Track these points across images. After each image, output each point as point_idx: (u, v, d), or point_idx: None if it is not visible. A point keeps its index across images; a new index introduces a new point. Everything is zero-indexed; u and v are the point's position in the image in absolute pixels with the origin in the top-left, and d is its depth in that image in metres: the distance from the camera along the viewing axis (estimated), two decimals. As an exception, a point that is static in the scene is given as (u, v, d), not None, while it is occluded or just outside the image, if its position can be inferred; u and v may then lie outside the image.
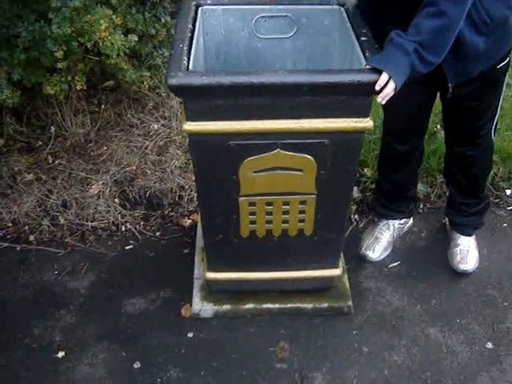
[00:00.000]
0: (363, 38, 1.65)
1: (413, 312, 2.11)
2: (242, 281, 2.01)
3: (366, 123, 1.57)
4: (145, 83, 2.54)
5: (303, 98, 1.50)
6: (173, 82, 1.44)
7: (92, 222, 2.45)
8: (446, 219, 2.38)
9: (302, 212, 1.80)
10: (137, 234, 2.42)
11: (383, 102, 1.47)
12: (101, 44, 2.16)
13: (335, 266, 2.01)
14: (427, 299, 2.16)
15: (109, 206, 2.49)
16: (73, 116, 2.75)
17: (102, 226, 2.45)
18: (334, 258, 2.00)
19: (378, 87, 1.44)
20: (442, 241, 2.38)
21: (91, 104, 2.88)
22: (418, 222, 2.49)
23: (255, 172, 1.68)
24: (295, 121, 1.56)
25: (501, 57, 1.78)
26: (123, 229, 2.44)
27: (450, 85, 1.77)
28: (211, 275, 2.00)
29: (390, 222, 2.33)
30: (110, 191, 2.52)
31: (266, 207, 1.79)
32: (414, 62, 1.47)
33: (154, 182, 2.56)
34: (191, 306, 2.09)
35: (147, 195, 2.53)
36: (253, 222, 1.83)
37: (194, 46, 1.63)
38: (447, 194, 2.40)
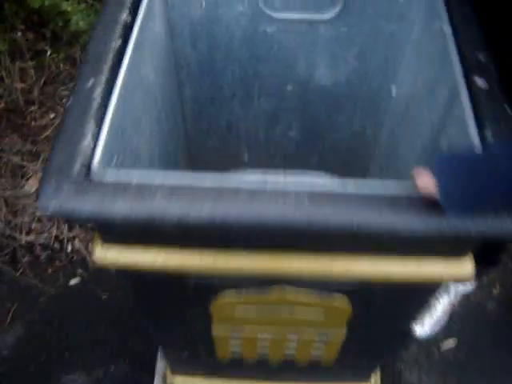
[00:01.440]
0: (478, 79, 0.78)
1: (473, 433, 1.46)
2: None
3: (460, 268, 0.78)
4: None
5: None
6: (49, 209, 0.64)
7: (27, 234, 1.74)
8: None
9: (319, 342, 1.08)
10: (87, 257, 1.72)
11: None
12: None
13: (366, 380, 1.33)
14: (495, 409, 1.49)
15: (52, 212, 1.75)
16: (9, 63, 1.91)
17: (41, 241, 1.74)
18: (366, 372, 1.30)
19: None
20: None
21: (40, 40, 2.01)
22: (490, 266, 1.72)
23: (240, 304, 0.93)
24: (314, 259, 0.77)
25: None
26: (69, 249, 1.74)
27: None
28: (177, 380, 1.33)
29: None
30: (53, 189, 1.77)
31: (260, 335, 1.06)
32: None
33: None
34: (152, 395, 1.46)
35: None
36: (236, 346, 1.12)
37: (121, 76, 0.79)
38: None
